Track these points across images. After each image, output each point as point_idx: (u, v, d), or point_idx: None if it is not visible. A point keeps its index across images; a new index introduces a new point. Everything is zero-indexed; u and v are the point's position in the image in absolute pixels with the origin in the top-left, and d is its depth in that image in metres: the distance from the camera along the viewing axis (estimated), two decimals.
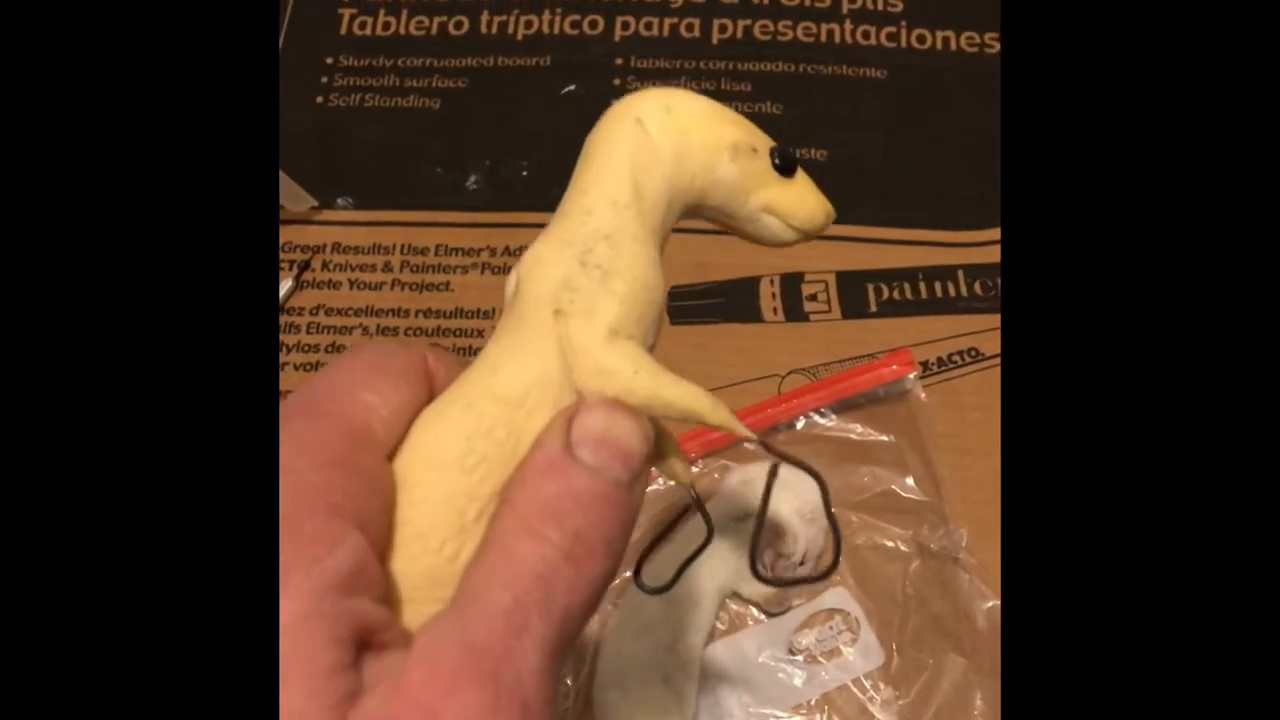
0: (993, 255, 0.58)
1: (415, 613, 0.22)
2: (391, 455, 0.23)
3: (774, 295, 0.57)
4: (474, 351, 0.56)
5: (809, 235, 0.27)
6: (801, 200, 0.26)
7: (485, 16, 0.67)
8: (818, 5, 0.66)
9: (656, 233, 0.25)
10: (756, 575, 0.33)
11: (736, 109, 0.69)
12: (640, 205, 0.24)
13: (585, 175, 0.25)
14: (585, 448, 0.22)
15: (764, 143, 0.26)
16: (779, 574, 0.48)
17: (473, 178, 0.61)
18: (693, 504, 0.27)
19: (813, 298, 0.57)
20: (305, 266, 0.59)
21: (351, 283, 0.59)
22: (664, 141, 0.24)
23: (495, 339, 0.24)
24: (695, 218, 0.26)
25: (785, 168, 0.26)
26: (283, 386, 0.55)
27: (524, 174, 0.61)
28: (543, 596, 0.20)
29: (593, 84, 0.64)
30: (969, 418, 0.52)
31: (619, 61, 0.65)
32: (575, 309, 0.23)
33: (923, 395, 0.52)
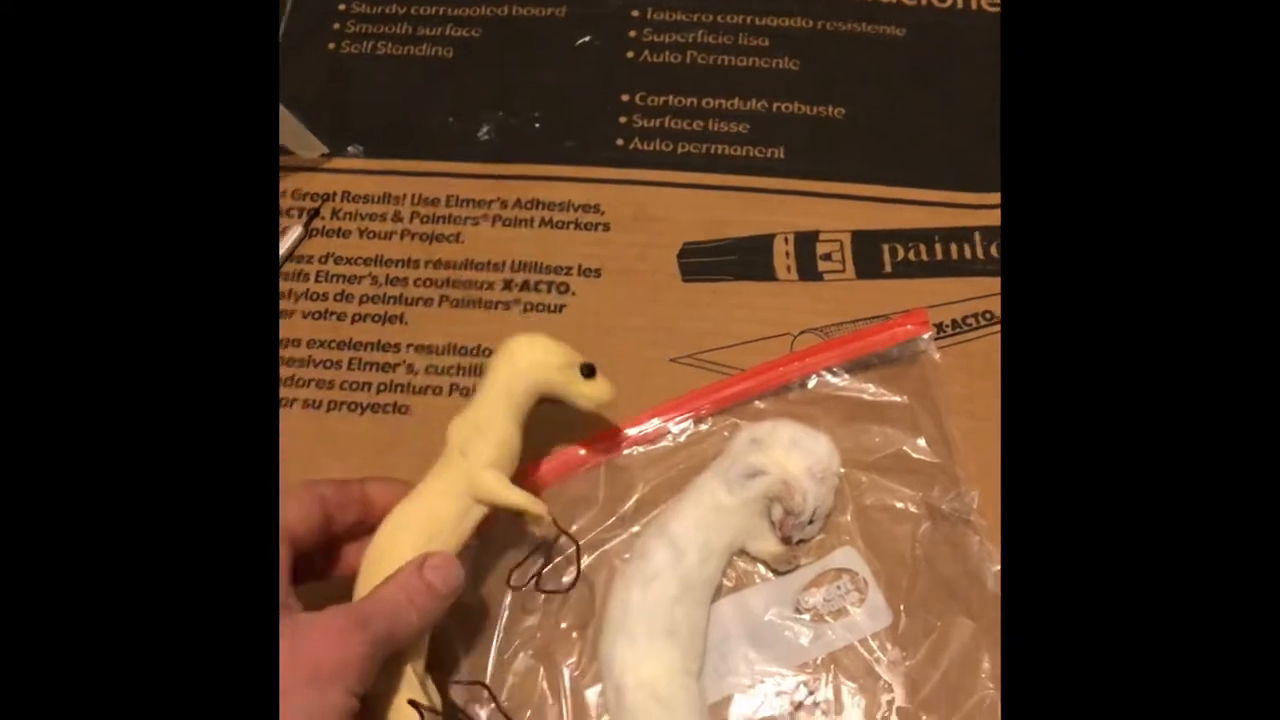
0: None
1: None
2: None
3: (788, 254, 0.56)
4: (484, 304, 0.56)
5: (603, 406, 0.47)
6: (596, 390, 0.46)
7: None
8: None
9: (519, 415, 0.45)
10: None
11: (753, 65, 0.68)
12: (510, 400, 0.45)
13: (484, 381, 0.46)
14: (430, 570, 0.41)
15: (576, 361, 0.46)
16: (788, 531, 0.47)
17: (485, 128, 0.61)
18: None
19: (827, 257, 0.56)
20: (314, 214, 0.58)
21: (361, 232, 0.58)
22: (521, 363, 0.45)
23: (436, 469, 0.45)
24: (546, 402, 0.46)
25: (587, 373, 0.46)
26: (294, 335, 0.55)
27: (536, 125, 0.61)
28: (384, 619, 0.39)
29: (608, 36, 0.63)
30: (982, 381, 0.52)
31: (635, 13, 0.64)
32: (475, 456, 0.44)
33: (937, 356, 0.52)
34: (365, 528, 0.44)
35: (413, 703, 0.41)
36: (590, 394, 0.46)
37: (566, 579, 0.46)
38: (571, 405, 0.46)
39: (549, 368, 0.45)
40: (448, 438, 0.44)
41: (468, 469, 0.43)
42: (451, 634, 0.46)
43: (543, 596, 0.47)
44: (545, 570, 0.47)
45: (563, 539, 0.47)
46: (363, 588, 0.42)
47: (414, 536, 0.43)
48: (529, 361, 0.45)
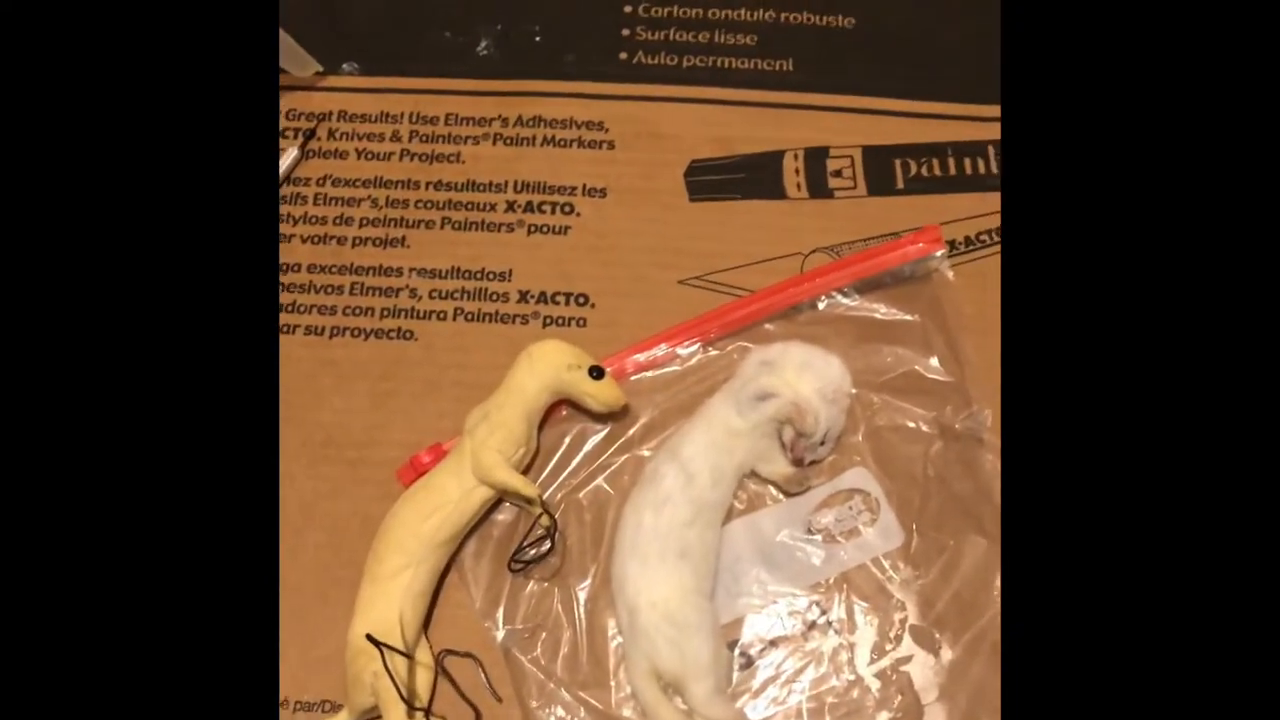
0: None
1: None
2: None
3: (798, 171, 0.55)
4: (486, 226, 0.55)
5: (611, 409, 0.49)
6: (602, 391, 0.48)
7: None
8: None
9: (528, 408, 0.47)
10: None
11: None
12: (521, 394, 0.47)
13: (506, 378, 0.48)
14: None
15: (587, 362, 0.48)
16: (799, 453, 0.47)
17: (483, 42, 0.59)
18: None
19: (838, 174, 0.55)
20: (310, 135, 0.57)
21: (359, 152, 0.56)
22: (537, 363, 0.47)
23: (452, 452, 0.48)
24: (559, 399, 0.49)
25: (596, 375, 0.48)
26: (294, 260, 0.54)
27: (536, 39, 0.59)
28: None
29: None
30: (996, 299, 0.51)
31: None
32: (478, 438, 0.47)
33: (950, 274, 0.51)
34: None
35: (370, 637, 0.43)
36: (596, 394, 0.47)
37: (545, 548, 0.47)
38: (583, 405, 0.48)
39: (558, 366, 0.47)
40: (466, 425, 0.47)
41: (472, 448, 0.46)
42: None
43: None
44: (535, 542, 0.47)
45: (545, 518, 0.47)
46: (372, 558, 0.46)
47: (416, 508, 0.46)
48: (542, 361, 0.47)
